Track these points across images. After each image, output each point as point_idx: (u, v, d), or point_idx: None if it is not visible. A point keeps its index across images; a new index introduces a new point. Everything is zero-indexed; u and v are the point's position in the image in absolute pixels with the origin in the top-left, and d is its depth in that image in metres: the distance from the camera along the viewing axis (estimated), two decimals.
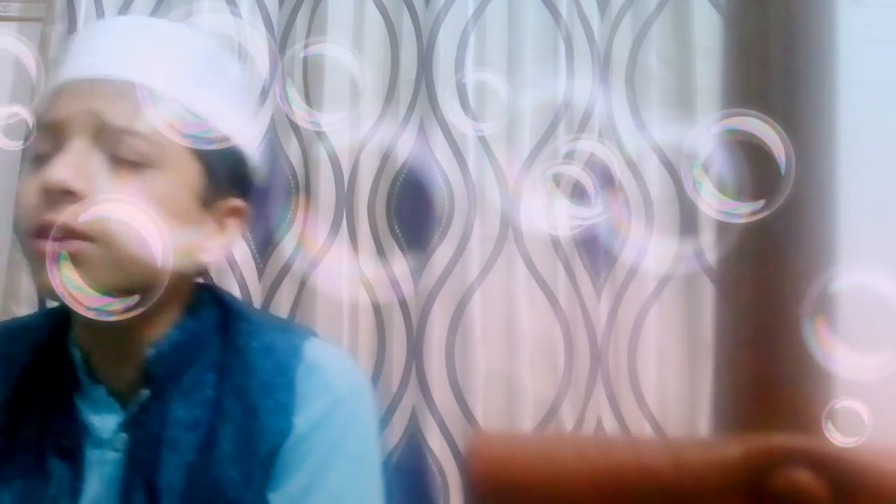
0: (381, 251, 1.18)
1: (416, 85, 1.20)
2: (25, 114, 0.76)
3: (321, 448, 0.73)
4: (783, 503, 0.81)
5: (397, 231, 1.19)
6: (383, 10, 1.21)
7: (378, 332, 1.18)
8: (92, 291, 0.65)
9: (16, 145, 0.77)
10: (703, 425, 1.14)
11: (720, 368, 1.12)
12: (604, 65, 1.22)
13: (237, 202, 0.76)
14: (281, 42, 1.21)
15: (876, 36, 1.19)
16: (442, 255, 1.17)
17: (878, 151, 1.15)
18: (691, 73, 1.19)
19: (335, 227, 1.17)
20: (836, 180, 1.12)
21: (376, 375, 1.17)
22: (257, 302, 1.18)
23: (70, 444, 0.73)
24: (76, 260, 0.65)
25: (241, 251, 1.17)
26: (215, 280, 1.14)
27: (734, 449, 0.92)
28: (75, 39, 0.77)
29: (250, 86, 0.80)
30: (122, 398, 0.74)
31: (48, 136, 0.69)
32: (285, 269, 1.18)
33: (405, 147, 1.19)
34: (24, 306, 1.14)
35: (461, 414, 1.15)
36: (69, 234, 0.65)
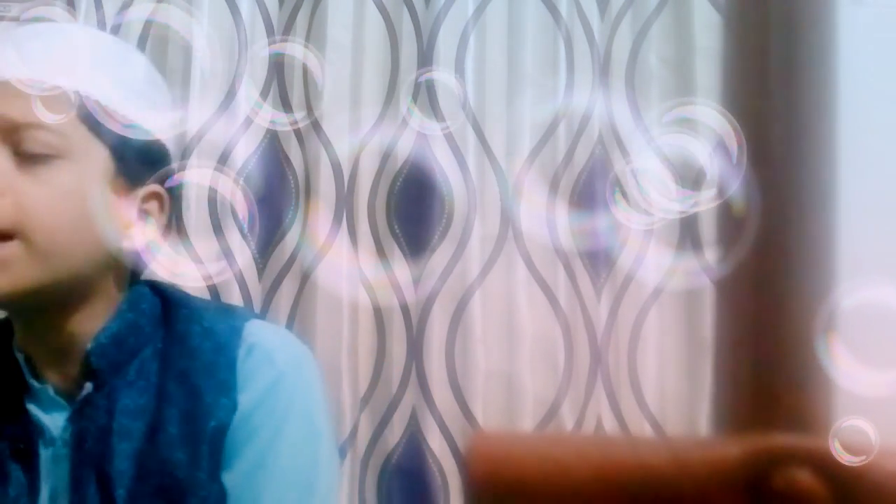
0: (381, 251, 1.18)
1: (416, 85, 1.20)
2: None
3: (268, 423, 0.74)
4: (783, 503, 0.81)
5: (397, 231, 1.19)
6: (383, 10, 1.21)
7: (378, 332, 1.18)
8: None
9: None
10: (703, 425, 1.14)
11: (720, 368, 1.12)
12: (604, 65, 1.22)
13: (154, 187, 0.76)
14: (280, 42, 1.21)
15: (876, 36, 1.19)
16: (442, 255, 1.17)
17: (878, 151, 1.15)
18: (691, 73, 1.19)
19: (335, 227, 1.17)
20: (837, 180, 1.12)
21: (376, 375, 1.17)
22: (257, 302, 1.18)
23: (24, 446, 0.73)
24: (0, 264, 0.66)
25: (241, 251, 1.17)
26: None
27: (734, 449, 0.92)
28: None
29: (157, 76, 0.81)
30: (68, 395, 0.74)
31: None
32: (285, 269, 1.18)
33: (405, 147, 1.19)
34: None
35: (461, 414, 1.15)
36: None
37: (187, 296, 0.83)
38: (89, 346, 0.73)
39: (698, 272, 1.18)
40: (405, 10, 1.21)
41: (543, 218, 1.18)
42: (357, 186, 1.18)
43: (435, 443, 1.15)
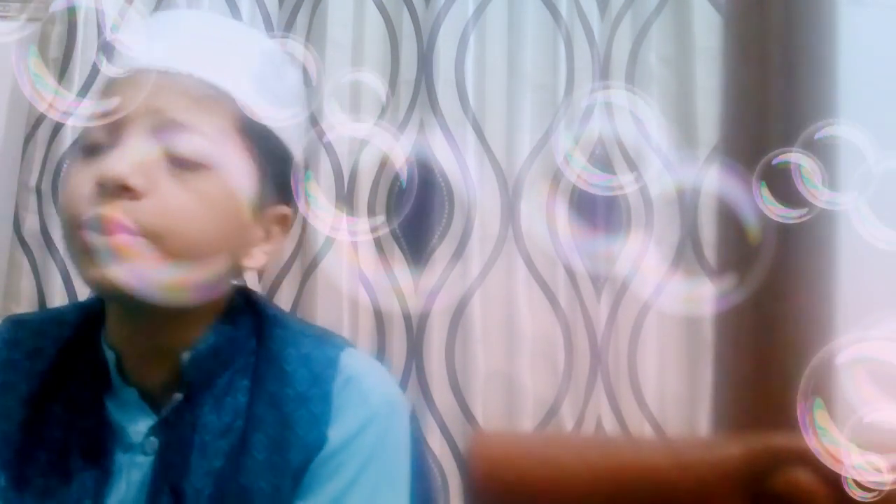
0: (381, 251, 1.18)
1: (416, 85, 1.20)
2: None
3: (353, 462, 0.71)
4: (783, 503, 0.81)
5: (397, 231, 1.19)
6: (383, 10, 1.21)
7: (378, 332, 1.18)
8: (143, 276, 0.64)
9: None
10: (703, 425, 1.14)
11: (720, 368, 1.12)
12: (604, 65, 1.22)
13: (285, 209, 0.74)
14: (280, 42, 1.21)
15: (876, 36, 1.19)
16: (442, 255, 1.17)
17: (878, 151, 1.15)
18: (691, 73, 1.19)
19: (335, 228, 1.17)
20: (836, 180, 1.12)
21: None
22: None
23: (97, 446, 0.71)
24: (126, 254, 0.63)
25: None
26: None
27: (734, 449, 0.92)
28: (134, 28, 0.75)
29: (304, 95, 0.80)
30: (152, 401, 0.72)
31: (104, 126, 0.67)
32: (285, 269, 1.19)
33: (405, 147, 1.19)
34: (24, 306, 1.14)
35: (461, 414, 1.15)
36: (122, 229, 0.63)
37: (283, 314, 0.80)
38: (186, 355, 0.71)
39: (699, 273, 1.18)
40: (405, 10, 1.21)
41: (543, 218, 1.18)
42: (357, 186, 1.18)
43: (435, 443, 1.15)
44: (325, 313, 1.15)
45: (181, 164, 0.66)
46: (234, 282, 0.77)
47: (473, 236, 1.16)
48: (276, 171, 0.73)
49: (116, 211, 0.63)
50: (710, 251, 1.17)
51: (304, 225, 1.18)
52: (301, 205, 0.74)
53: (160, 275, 0.65)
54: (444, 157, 1.17)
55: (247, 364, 0.73)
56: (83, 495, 0.69)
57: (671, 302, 1.17)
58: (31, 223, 1.17)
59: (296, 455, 0.70)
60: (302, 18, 1.21)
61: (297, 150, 0.76)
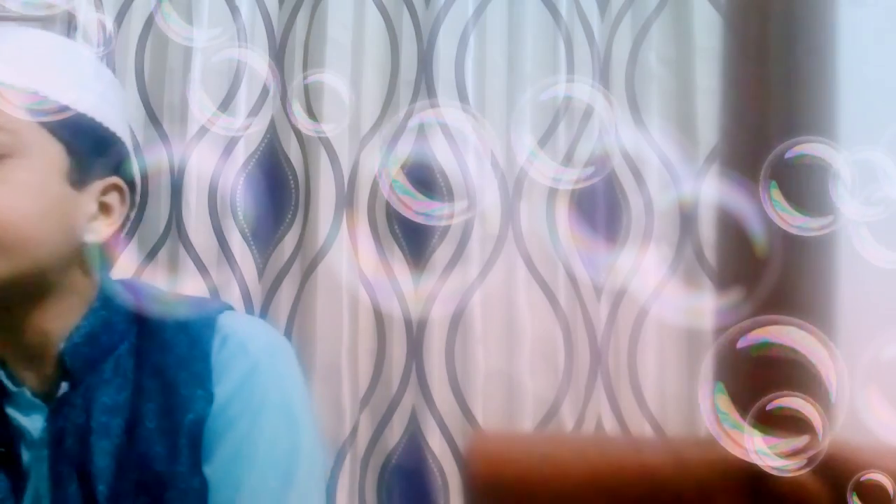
0: (381, 251, 1.18)
1: (416, 85, 1.20)
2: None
3: (244, 413, 0.74)
4: (783, 503, 0.81)
5: (397, 231, 1.19)
6: (383, 10, 1.21)
7: (378, 332, 1.18)
8: None
9: None
10: (704, 425, 1.14)
11: (720, 369, 1.12)
12: (604, 65, 1.22)
13: (113, 179, 0.76)
14: (281, 42, 1.21)
15: (876, 36, 1.18)
16: (442, 255, 1.17)
17: (878, 151, 1.15)
18: (691, 73, 1.19)
19: (335, 227, 1.17)
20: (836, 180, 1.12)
21: (376, 375, 1.17)
22: (257, 302, 1.18)
23: (6, 450, 0.73)
24: None
25: (241, 251, 1.17)
26: (214, 278, 1.14)
27: None
28: None
29: (107, 71, 0.82)
30: (46, 396, 0.74)
31: None
32: (285, 269, 1.18)
33: (405, 147, 1.19)
34: None
35: (461, 414, 1.15)
36: None
37: (160, 291, 0.83)
38: (62, 345, 0.73)
39: (699, 274, 1.18)
40: (405, 10, 1.21)
41: (543, 218, 1.18)
42: (357, 186, 1.18)
43: (435, 443, 1.15)
44: (325, 313, 1.15)
45: None
46: (106, 270, 0.79)
47: (473, 236, 1.16)
48: (89, 146, 0.74)
49: None
50: (710, 252, 1.17)
51: (305, 225, 1.18)
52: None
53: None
54: (444, 157, 1.17)
55: (130, 344, 0.75)
56: (3, 497, 0.72)
57: (673, 314, 1.18)
58: None
59: (184, 415, 0.73)
60: (302, 18, 1.21)
61: (113, 124, 0.77)
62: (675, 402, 1.17)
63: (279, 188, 1.20)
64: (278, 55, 1.21)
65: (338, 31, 1.19)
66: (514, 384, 1.15)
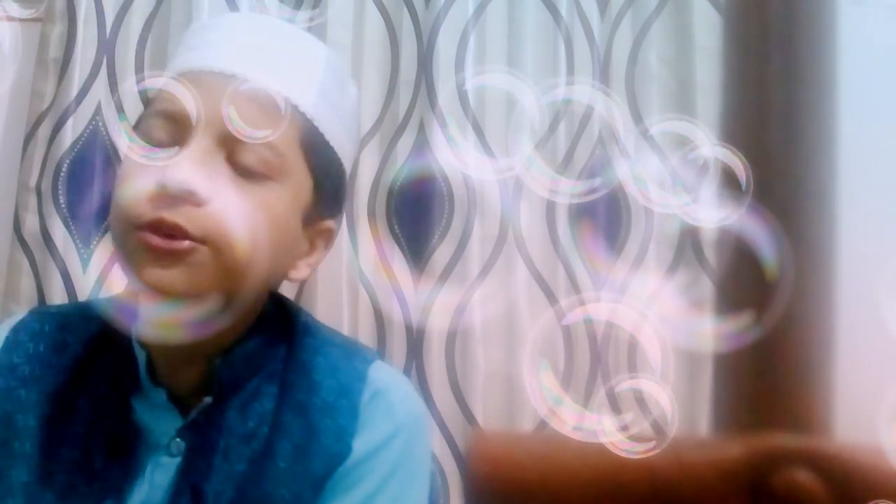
0: (381, 251, 1.18)
1: (416, 85, 1.20)
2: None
3: (375, 474, 0.71)
4: (783, 503, 0.81)
5: (397, 231, 1.19)
6: (383, 10, 1.21)
7: (378, 332, 1.18)
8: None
9: None
10: (703, 425, 1.14)
11: (720, 368, 1.12)
12: (604, 65, 1.22)
13: (331, 223, 0.75)
14: None
15: (876, 36, 1.19)
16: (442, 255, 1.17)
17: (878, 151, 1.15)
18: (691, 73, 1.19)
19: (335, 228, 1.17)
20: (836, 180, 1.12)
21: None
22: None
23: (122, 445, 0.70)
24: (185, 260, 0.63)
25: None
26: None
27: (734, 449, 0.92)
28: (205, 27, 0.74)
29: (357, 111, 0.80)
30: (179, 403, 0.71)
31: (168, 126, 0.66)
32: None
33: (405, 147, 1.19)
34: (24, 306, 1.14)
35: (461, 414, 1.15)
36: (183, 235, 0.63)
37: (314, 322, 0.80)
38: (219, 359, 0.70)
39: (699, 274, 1.18)
40: (405, 10, 1.21)
41: (543, 218, 1.18)
42: (357, 186, 1.18)
43: (435, 443, 1.15)
44: (325, 313, 1.15)
45: (244, 174, 0.66)
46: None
47: (473, 236, 1.16)
48: (330, 185, 0.73)
49: (179, 216, 0.63)
50: (710, 251, 1.17)
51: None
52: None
53: (215, 282, 0.64)
54: (444, 157, 1.17)
55: (275, 371, 0.73)
56: (105, 494, 0.69)
57: (673, 315, 1.18)
58: (31, 223, 1.17)
59: (319, 465, 0.70)
60: (302, 18, 1.21)
61: (349, 167, 0.76)
62: (675, 402, 1.17)
63: None
64: None
65: (338, 31, 1.19)
66: (514, 384, 1.15)
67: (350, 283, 1.17)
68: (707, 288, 1.16)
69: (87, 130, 1.18)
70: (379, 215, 1.19)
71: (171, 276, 0.63)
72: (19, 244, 1.16)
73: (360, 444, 0.71)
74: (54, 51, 1.19)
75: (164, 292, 0.63)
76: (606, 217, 1.19)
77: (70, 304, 0.81)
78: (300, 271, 0.73)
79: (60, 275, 1.15)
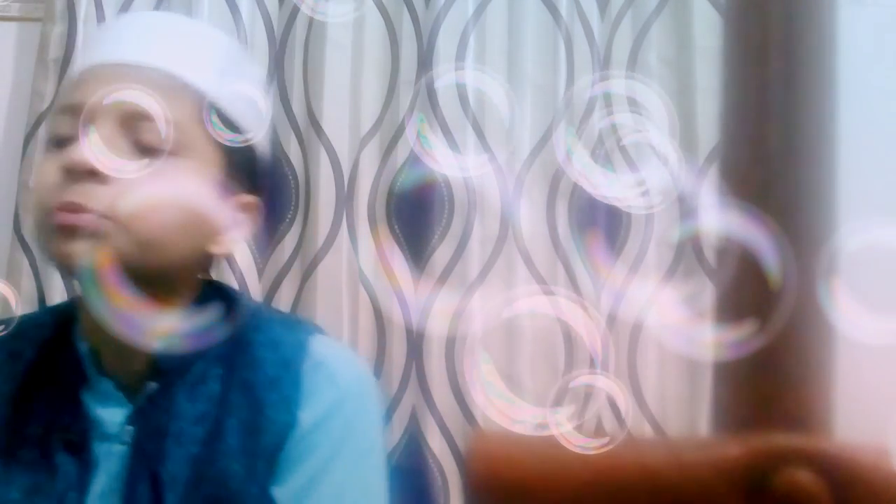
0: (381, 251, 1.18)
1: (416, 85, 1.20)
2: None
3: (325, 443, 0.73)
4: (783, 503, 0.81)
5: (397, 231, 1.19)
6: (383, 10, 1.21)
7: (378, 332, 1.18)
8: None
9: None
10: (703, 425, 1.14)
11: (720, 368, 1.12)
12: (604, 65, 1.22)
13: (250, 198, 0.77)
14: (281, 42, 1.21)
15: (876, 36, 1.18)
16: (442, 255, 1.17)
17: (878, 151, 1.15)
18: (691, 73, 1.19)
19: (335, 227, 1.17)
20: (836, 180, 1.12)
21: (376, 375, 1.17)
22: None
23: (77, 439, 0.72)
24: (94, 235, 0.66)
25: (241, 251, 1.17)
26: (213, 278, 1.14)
27: (734, 449, 0.92)
28: (102, 27, 0.79)
29: (265, 88, 0.82)
30: (128, 391, 0.73)
31: (71, 119, 0.69)
32: (285, 269, 1.18)
33: (405, 147, 1.19)
34: (25, 306, 1.14)
35: (461, 414, 1.15)
36: (90, 212, 0.66)
37: (255, 303, 0.83)
38: (160, 344, 0.72)
39: (699, 273, 1.18)
40: (405, 10, 1.21)
41: (543, 218, 1.18)
42: (357, 186, 1.18)
43: (435, 443, 1.15)
44: (325, 313, 1.15)
45: (147, 152, 0.68)
46: (204, 274, 0.80)
47: (473, 236, 1.16)
48: (240, 160, 0.75)
49: (83, 196, 0.66)
50: (709, 252, 1.17)
51: (305, 225, 1.18)
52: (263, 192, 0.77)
53: (126, 255, 0.67)
54: (444, 158, 1.17)
55: (220, 353, 0.74)
56: (67, 488, 0.71)
57: (673, 316, 1.17)
58: (31, 223, 1.17)
59: (268, 438, 0.72)
60: (302, 18, 1.21)
61: (263, 142, 0.79)
62: (675, 402, 1.17)
63: (279, 188, 1.20)
64: (278, 55, 1.21)
65: (338, 31, 1.19)
66: (514, 384, 1.15)
67: (350, 283, 1.17)
68: (708, 293, 1.16)
69: None
70: (379, 215, 1.19)
71: (77, 248, 0.65)
72: (19, 244, 1.16)
73: (306, 414, 0.73)
74: (54, 51, 1.19)
75: (72, 264, 0.66)
76: (606, 217, 1.19)
77: (28, 314, 0.85)
78: (223, 246, 0.75)
79: (61, 274, 1.15)
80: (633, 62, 1.21)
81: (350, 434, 0.75)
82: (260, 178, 0.79)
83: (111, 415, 0.73)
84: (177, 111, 0.69)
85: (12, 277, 1.16)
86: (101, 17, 1.19)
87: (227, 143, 0.73)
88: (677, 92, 1.20)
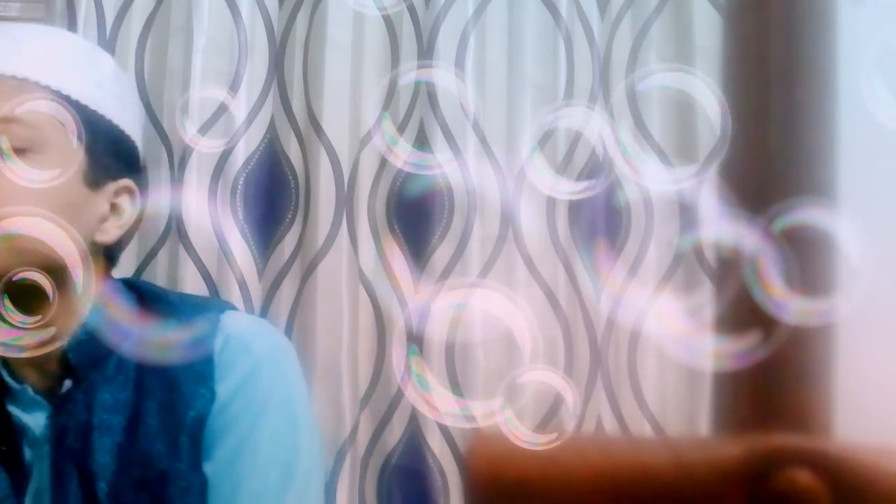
0: (381, 251, 1.18)
1: (416, 85, 1.20)
2: None
3: (246, 412, 0.75)
4: (783, 503, 0.81)
5: (397, 231, 1.19)
6: (383, 10, 1.21)
7: (378, 332, 1.18)
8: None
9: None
10: (703, 425, 1.14)
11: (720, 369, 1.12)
12: (604, 65, 1.22)
13: (126, 182, 0.78)
14: (281, 42, 1.21)
15: (876, 35, 1.18)
16: (442, 255, 1.17)
17: (878, 151, 1.15)
18: (691, 73, 1.19)
19: (335, 227, 1.17)
20: (836, 179, 1.12)
21: (376, 375, 1.17)
22: (257, 302, 1.18)
23: (7, 448, 0.74)
24: None
25: (241, 251, 1.17)
26: (214, 278, 1.14)
27: (734, 449, 0.92)
28: None
29: (125, 76, 0.88)
30: (48, 393, 0.75)
31: None
32: (285, 269, 1.18)
33: (405, 147, 1.19)
34: None
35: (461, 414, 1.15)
36: None
37: (163, 290, 0.85)
38: (67, 342, 0.74)
39: (698, 272, 1.18)
40: (405, 10, 1.21)
41: (543, 218, 1.18)
42: (357, 186, 1.18)
43: (435, 443, 1.15)
44: (325, 314, 1.15)
45: (11, 154, 0.70)
46: (107, 265, 0.80)
47: (473, 236, 1.16)
48: (106, 147, 0.77)
49: None
50: (710, 252, 1.17)
51: (305, 225, 1.18)
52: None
53: (5, 260, 0.68)
54: (444, 158, 1.17)
55: (133, 341, 0.76)
56: (5, 495, 0.72)
57: (674, 316, 1.18)
58: None
59: (186, 413, 0.74)
60: (302, 18, 1.21)
61: (129, 127, 0.80)
62: (675, 402, 1.17)
63: (279, 188, 1.20)
64: (278, 55, 1.21)
65: (338, 31, 1.19)
66: (514, 384, 1.15)
67: (350, 283, 1.17)
68: (709, 301, 1.16)
69: None
70: (379, 215, 1.19)
71: None
72: None
73: (223, 387, 0.75)
74: None
75: None
76: (606, 217, 1.20)
77: None
78: (108, 234, 0.77)
79: None
80: (633, 62, 1.21)
81: (269, 399, 0.76)
82: (131, 161, 0.81)
83: (35, 419, 0.74)
84: (28, 109, 0.71)
85: None
86: (101, 17, 1.19)
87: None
88: (677, 92, 1.20)
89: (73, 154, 0.74)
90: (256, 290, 1.18)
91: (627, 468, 0.90)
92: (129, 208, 0.79)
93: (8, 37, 0.78)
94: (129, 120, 0.81)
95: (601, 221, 1.20)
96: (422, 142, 1.18)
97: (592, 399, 1.18)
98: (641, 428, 1.17)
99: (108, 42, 1.19)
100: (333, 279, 1.16)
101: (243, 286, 1.16)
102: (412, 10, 1.21)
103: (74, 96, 0.75)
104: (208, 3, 1.18)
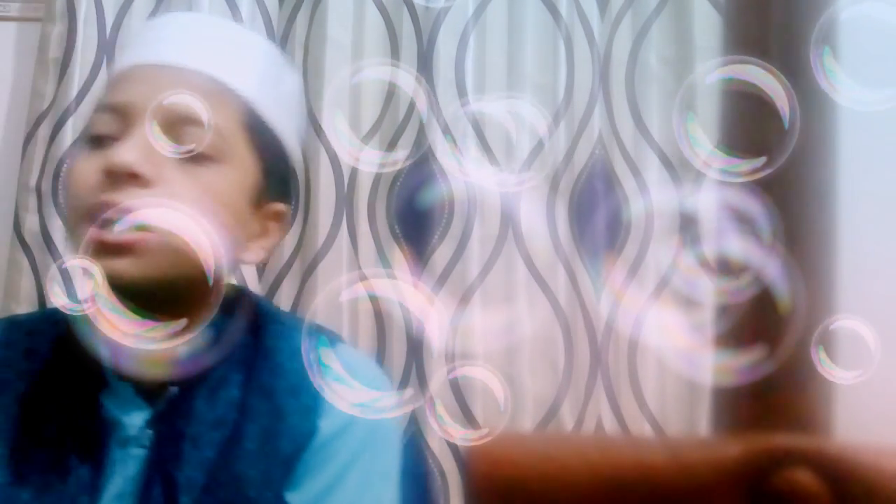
0: (381, 251, 1.18)
1: (415, 84, 1.20)
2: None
3: (343, 453, 0.73)
4: (783, 503, 0.81)
5: (397, 231, 1.19)
6: (383, 10, 1.21)
7: (378, 332, 1.18)
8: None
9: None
10: (703, 425, 1.14)
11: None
12: (604, 65, 1.22)
13: (281, 206, 0.77)
14: (281, 42, 1.21)
15: (875, 35, 1.18)
16: (442, 255, 1.17)
17: (878, 151, 1.15)
18: (691, 73, 1.19)
19: (335, 227, 1.17)
20: (836, 179, 1.12)
21: None
22: None
23: (93, 442, 0.71)
24: (132, 248, 0.65)
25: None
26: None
27: (734, 449, 0.92)
28: (146, 26, 0.79)
29: (302, 97, 0.82)
30: (148, 395, 0.72)
31: (112, 118, 0.68)
32: (285, 269, 1.18)
33: (405, 147, 1.19)
34: (24, 306, 1.14)
35: (461, 414, 1.15)
36: (129, 215, 0.64)
37: (277, 310, 0.82)
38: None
39: (698, 271, 1.18)
40: (405, 10, 1.21)
41: (543, 218, 1.18)
42: (357, 186, 1.18)
43: (435, 443, 1.15)
44: (325, 313, 1.15)
45: (189, 157, 0.67)
46: (230, 280, 0.78)
47: (473, 236, 1.16)
48: (276, 168, 0.75)
49: (125, 198, 0.64)
50: (710, 253, 1.17)
51: (305, 225, 1.18)
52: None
53: (163, 266, 0.66)
54: (444, 158, 1.17)
55: (241, 358, 0.74)
56: (80, 491, 0.70)
57: (673, 316, 1.17)
58: (31, 223, 1.17)
59: (286, 444, 0.72)
60: (302, 18, 1.21)
61: (295, 151, 0.78)
62: (675, 402, 1.17)
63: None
64: None
65: (338, 31, 1.19)
66: (514, 384, 1.15)
67: (350, 283, 1.17)
68: (710, 311, 1.16)
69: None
70: (379, 215, 1.19)
71: (122, 265, 0.64)
72: (19, 244, 1.16)
73: (326, 424, 0.73)
74: (54, 51, 1.19)
75: (116, 281, 0.64)
76: (606, 217, 1.20)
77: (38, 311, 0.84)
78: (253, 254, 0.75)
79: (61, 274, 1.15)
80: (633, 62, 1.21)
81: (367, 446, 0.74)
82: (292, 187, 0.79)
83: (130, 419, 0.72)
84: (219, 116, 0.68)
85: (12, 277, 1.16)
86: (101, 17, 1.19)
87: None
88: (677, 92, 1.20)
89: (251, 171, 0.72)
90: (256, 290, 1.18)
91: (627, 468, 0.90)
92: (278, 233, 0.77)
93: (206, 30, 0.76)
94: (297, 144, 0.80)
95: (601, 221, 1.20)
96: (421, 142, 1.18)
97: (592, 399, 1.18)
98: (641, 428, 1.17)
99: (108, 42, 1.19)
100: (333, 279, 1.16)
101: (243, 286, 1.16)
102: (412, 10, 1.21)
103: (262, 113, 0.73)
104: (208, 2, 1.18)
